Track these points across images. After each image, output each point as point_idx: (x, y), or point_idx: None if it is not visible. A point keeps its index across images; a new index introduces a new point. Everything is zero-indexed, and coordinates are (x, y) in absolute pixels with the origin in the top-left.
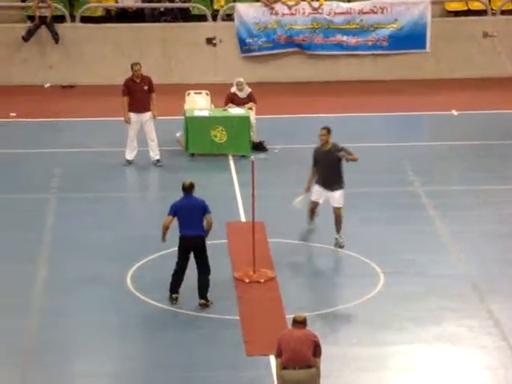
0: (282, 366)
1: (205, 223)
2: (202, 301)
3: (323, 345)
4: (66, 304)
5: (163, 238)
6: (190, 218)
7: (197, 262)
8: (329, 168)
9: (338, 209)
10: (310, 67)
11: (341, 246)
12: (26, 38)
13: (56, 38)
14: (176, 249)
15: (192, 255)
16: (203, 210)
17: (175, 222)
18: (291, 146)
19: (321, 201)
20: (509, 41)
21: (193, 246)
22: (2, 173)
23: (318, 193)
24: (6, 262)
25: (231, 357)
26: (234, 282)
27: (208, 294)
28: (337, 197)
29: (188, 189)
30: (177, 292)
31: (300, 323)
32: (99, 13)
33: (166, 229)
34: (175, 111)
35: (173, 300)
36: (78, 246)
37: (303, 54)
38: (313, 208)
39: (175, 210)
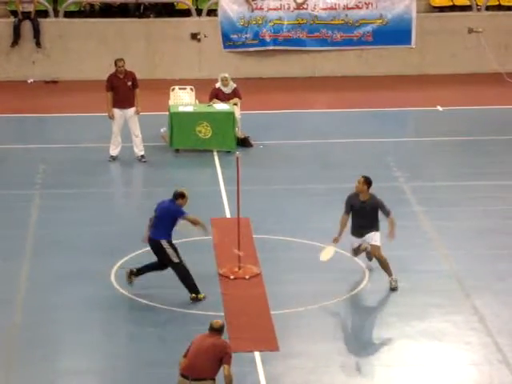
0: (180, 372)
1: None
2: (192, 295)
3: (308, 341)
4: (50, 300)
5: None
6: (157, 220)
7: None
8: (365, 218)
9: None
10: (295, 63)
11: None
12: (13, 44)
13: (37, 36)
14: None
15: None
16: (171, 215)
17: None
18: (276, 142)
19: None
20: (494, 36)
21: (151, 247)
22: None
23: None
24: None
25: None
26: (219, 278)
27: (196, 289)
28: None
29: (175, 195)
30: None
31: (216, 330)
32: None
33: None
34: (159, 107)
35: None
36: (62, 242)
37: (288, 49)
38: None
39: (155, 208)
